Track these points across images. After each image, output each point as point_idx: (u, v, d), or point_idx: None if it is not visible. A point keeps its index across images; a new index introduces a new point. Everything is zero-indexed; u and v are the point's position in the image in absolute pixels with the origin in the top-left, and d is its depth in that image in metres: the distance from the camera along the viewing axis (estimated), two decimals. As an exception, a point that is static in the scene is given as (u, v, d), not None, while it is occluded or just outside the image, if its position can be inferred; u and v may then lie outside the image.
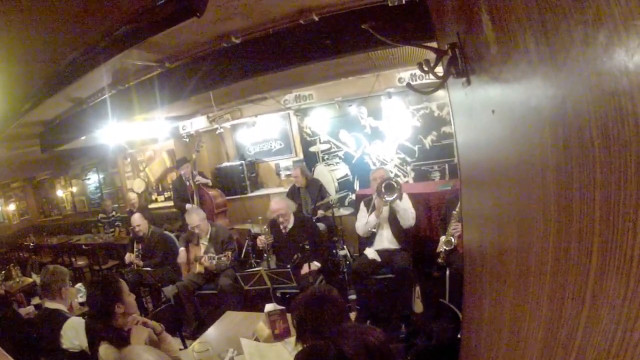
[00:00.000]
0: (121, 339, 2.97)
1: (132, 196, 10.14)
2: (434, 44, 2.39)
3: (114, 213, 10.46)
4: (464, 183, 2.43)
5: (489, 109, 1.37)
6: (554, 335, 1.00)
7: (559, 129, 0.92)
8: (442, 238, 5.26)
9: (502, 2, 1.15)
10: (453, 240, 5.13)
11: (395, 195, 5.29)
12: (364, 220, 5.72)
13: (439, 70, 1.77)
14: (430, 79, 6.00)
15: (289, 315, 3.42)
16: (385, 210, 5.54)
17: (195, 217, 6.20)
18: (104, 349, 2.92)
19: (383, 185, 5.34)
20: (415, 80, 6.55)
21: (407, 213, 5.50)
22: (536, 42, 0.97)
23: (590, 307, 0.83)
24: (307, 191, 7.73)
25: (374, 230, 5.68)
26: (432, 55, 1.81)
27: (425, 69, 1.67)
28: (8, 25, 2.71)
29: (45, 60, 3.58)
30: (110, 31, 3.13)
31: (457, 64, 1.59)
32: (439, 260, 5.24)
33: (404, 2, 3.39)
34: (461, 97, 1.81)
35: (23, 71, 3.70)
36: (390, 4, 3.43)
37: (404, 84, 6.65)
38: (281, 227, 5.83)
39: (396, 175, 8.01)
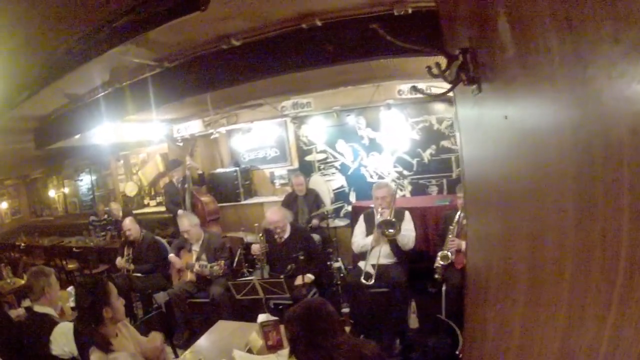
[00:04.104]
0: (108, 346, 2.90)
1: (115, 206, 10.01)
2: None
3: (105, 216, 10.33)
4: (469, 197, 2.38)
5: (501, 115, 1.33)
6: (573, 348, 0.96)
7: (580, 132, 0.89)
8: (439, 253, 5.22)
9: (524, 5, 1.11)
10: (450, 255, 5.10)
11: (394, 231, 5.25)
12: (361, 241, 5.69)
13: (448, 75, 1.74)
14: (431, 91, 6.01)
15: (282, 327, 3.36)
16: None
17: (186, 221, 6.15)
18: (96, 357, 2.84)
19: (384, 223, 5.31)
20: (416, 94, 6.53)
21: (406, 239, 5.43)
22: (560, 44, 0.93)
23: (616, 315, 0.79)
24: (305, 200, 7.70)
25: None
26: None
27: (435, 73, 1.62)
28: (2, 13, 2.67)
29: (41, 49, 3.53)
30: (110, 21, 3.09)
31: (467, 70, 1.55)
32: (436, 275, 5.21)
33: (410, 11, 3.38)
34: (469, 105, 1.77)
35: (17, 60, 3.65)
36: (396, 13, 3.40)
37: (403, 95, 6.65)
38: (277, 236, 5.77)
39: (393, 190, 7.96)
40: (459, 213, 5.21)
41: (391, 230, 5.25)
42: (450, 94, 1.85)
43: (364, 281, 5.20)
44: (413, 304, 5.33)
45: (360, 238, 5.74)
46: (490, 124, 1.56)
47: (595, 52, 0.80)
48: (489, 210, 1.83)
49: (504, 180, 1.51)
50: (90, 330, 2.93)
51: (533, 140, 1.17)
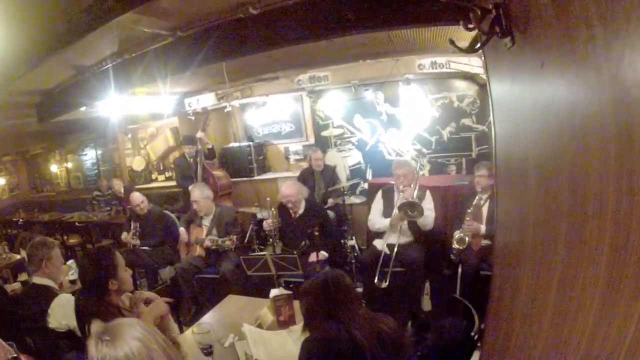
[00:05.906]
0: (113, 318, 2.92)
1: (117, 182, 10.17)
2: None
3: (110, 191, 10.43)
4: (501, 172, 2.35)
5: (538, 64, 1.33)
6: (605, 329, 0.99)
7: (617, 82, 0.91)
8: (456, 234, 5.25)
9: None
10: (467, 239, 5.11)
11: (417, 213, 5.22)
12: (378, 220, 5.71)
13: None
14: (451, 68, 5.97)
15: (295, 302, 3.39)
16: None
17: (197, 192, 6.16)
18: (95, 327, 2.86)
19: (406, 205, 5.27)
20: (436, 69, 6.51)
21: (426, 219, 5.40)
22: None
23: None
24: (322, 176, 7.73)
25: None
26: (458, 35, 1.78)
27: (470, 26, 1.64)
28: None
29: (46, 18, 3.54)
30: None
31: (501, 22, 1.57)
32: (452, 257, 5.23)
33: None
34: (503, 66, 1.78)
35: (20, 31, 3.66)
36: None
37: (424, 70, 6.62)
38: (291, 212, 5.82)
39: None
40: (478, 195, 5.19)
41: (414, 213, 5.22)
42: (481, 69, 1.86)
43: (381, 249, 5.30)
44: (427, 285, 5.36)
45: (377, 216, 5.76)
46: (525, 74, 1.55)
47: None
48: (524, 186, 1.80)
49: (541, 150, 1.52)
50: (93, 303, 2.94)
51: (575, 87, 1.17)
